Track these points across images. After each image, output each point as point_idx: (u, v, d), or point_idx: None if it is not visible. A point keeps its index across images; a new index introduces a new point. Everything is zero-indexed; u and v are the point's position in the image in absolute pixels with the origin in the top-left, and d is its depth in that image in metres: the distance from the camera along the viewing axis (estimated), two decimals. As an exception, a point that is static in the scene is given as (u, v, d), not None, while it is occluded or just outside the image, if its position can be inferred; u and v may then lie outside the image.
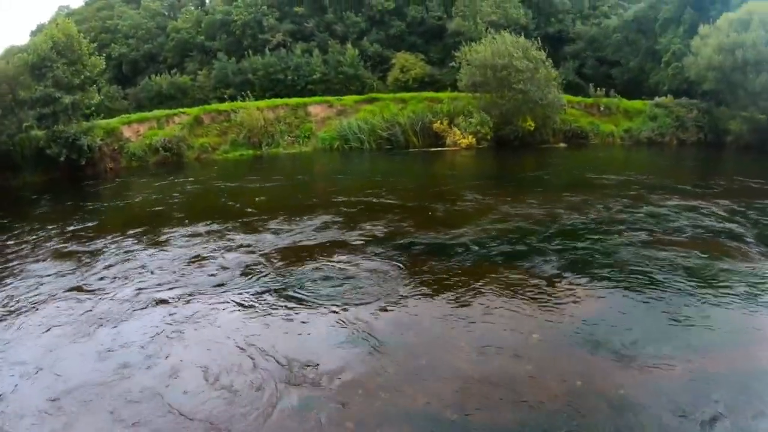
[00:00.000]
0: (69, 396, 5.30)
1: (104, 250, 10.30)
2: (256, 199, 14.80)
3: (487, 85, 25.03)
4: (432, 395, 5.04)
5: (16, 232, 12.40)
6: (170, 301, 7.54)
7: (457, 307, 6.90)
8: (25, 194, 18.89)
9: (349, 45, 33.08)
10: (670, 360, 5.46)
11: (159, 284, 8.20)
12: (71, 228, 12.42)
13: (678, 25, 30.77)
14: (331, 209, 12.54)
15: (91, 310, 7.33)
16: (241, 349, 6.03)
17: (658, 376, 5.20)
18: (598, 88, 28.86)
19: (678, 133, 27.11)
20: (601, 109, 28.48)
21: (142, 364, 5.83)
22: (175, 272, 8.71)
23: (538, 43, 25.65)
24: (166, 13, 40.92)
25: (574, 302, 6.87)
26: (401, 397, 5.03)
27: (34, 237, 11.78)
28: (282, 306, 7.19)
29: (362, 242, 9.73)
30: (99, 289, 8.14)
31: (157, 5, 40.63)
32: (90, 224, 12.85)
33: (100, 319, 7.03)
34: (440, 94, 27.93)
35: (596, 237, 9.60)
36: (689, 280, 7.45)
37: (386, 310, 6.91)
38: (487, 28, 29.67)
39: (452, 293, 7.32)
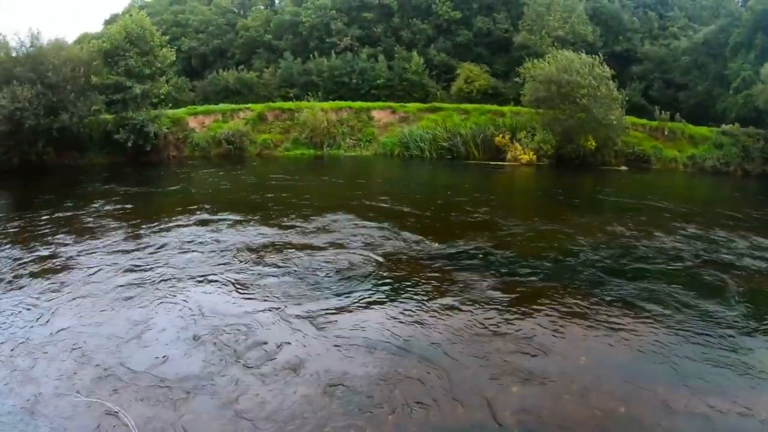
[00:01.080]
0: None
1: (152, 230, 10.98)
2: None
3: (550, 101, 24.87)
4: (471, 410, 5.09)
5: (80, 205, 13.33)
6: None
7: (507, 322, 6.93)
8: (92, 173, 19.83)
9: (415, 52, 33.40)
10: (716, 398, 5.40)
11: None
12: (128, 206, 13.30)
13: (749, 49, 29.86)
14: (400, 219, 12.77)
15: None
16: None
17: (702, 414, 5.16)
18: (663, 112, 28.24)
19: (743, 164, 26.33)
20: (666, 133, 27.90)
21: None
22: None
23: (600, 58, 25.32)
24: (237, 11, 42.19)
25: (628, 330, 6.83)
26: (440, 413, 5.05)
27: (94, 211, 12.62)
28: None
29: (417, 252, 9.86)
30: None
31: (227, 3, 41.94)
32: (144, 205, 13.75)
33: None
34: (503, 108, 27.95)
35: (658, 266, 9.49)
36: (752, 320, 7.32)
37: (435, 320, 7.01)
38: (553, 43, 29.55)
39: (504, 309, 7.37)
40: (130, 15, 23.72)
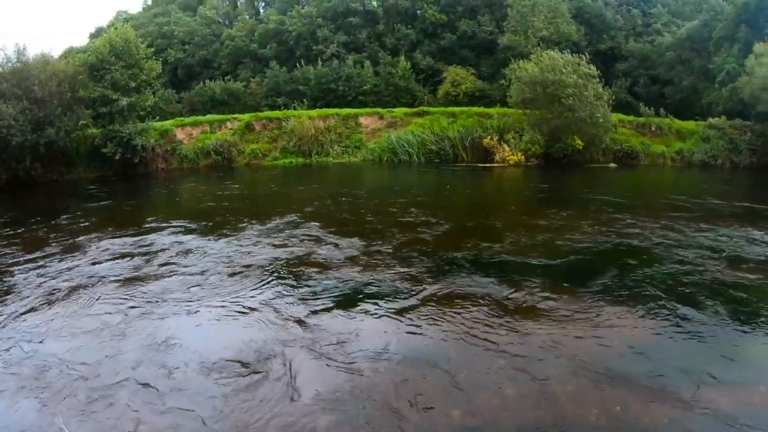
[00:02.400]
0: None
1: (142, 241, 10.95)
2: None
3: (536, 102, 24.99)
4: (467, 411, 5.05)
5: (65, 220, 13.29)
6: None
7: (498, 323, 6.84)
8: (78, 188, 19.65)
9: (401, 57, 33.43)
10: (715, 393, 5.33)
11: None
12: (115, 220, 13.22)
13: (732, 43, 30.07)
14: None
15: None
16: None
17: (700, 409, 5.08)
18: (649, 107, 28.39)
19: (731, 156, 26.49)
20: (653, 129, 28.04)
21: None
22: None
23: (587, 57, 25.40)
24: (221, 21, 42.22)
25: (622, 327, 6.74)
26: (436, 413, 5.01)
27: (81, 224, 12.57)
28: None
29: (405, 254, 9.74)
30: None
31: (212, 13, 41.92)
32: (130, 218, 13.64)
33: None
34: (490, 110, 28.02)
35: (652, 262, 9.42)
36: (749, 313, 7.19)
37: (424, 322, 6.95)
38: (538, 44, 29.63)
39: (495, 309, 7.29)
40: (115, 28, 23.59)
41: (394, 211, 13.74)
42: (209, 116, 29.25)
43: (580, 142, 24.57)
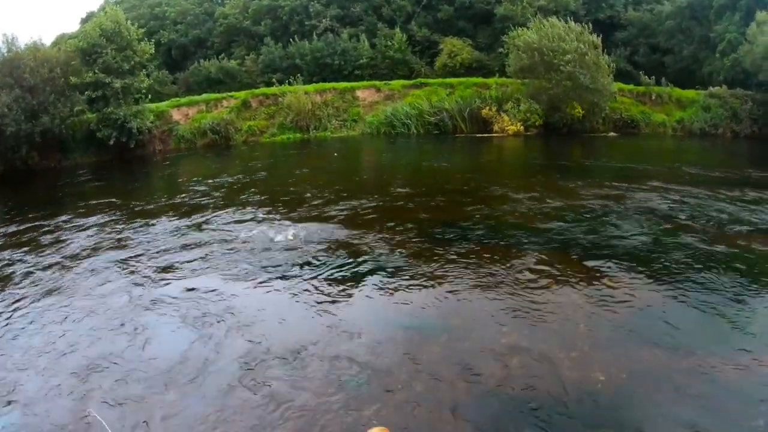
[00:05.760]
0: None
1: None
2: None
3: (534, 70, 24.66)
4: (473, 377, 5.02)
5: (65, 208, 13.26)
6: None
7: (504, 292, 6.82)
8: (75, 175, 19.58)
9: (397, 29, 32.93)
10: (718, 359, 5.30)
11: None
12: (112, 206, 13.10)
13: (734, 11, 29.55)
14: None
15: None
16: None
17: (705, 374, 5.06)
18: (650, 77, 28.04)
19: (732, 125, 26.18)
20: (653, 98, 27.71)
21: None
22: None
23: (589, 28, 25.05)
24: (214, -1, 41.45)
25: (625, 294, 6.71)
26: (440, 382, 5.00)
27: (81, 212, 12.52)
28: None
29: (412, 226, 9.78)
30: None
31: (204, -9, 41.12)
32: (127, 202, 13.50)
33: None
34: (488, 80, 27.65)
35: (651, 229, 9.33)
36: (746, 278, 7.16)
37: (434, 290, 6.92)
38: (535, 13, 29.19)
39: (500, 278, 7.25)
40: (105, 12, 23.21)
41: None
42: (205, 95, 28.85)
43: (581, 111, 24.30)
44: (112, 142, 21.59)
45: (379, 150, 23.34)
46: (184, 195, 13.95)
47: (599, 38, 24.95)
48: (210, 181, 15.62)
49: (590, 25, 25.40)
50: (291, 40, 33.94)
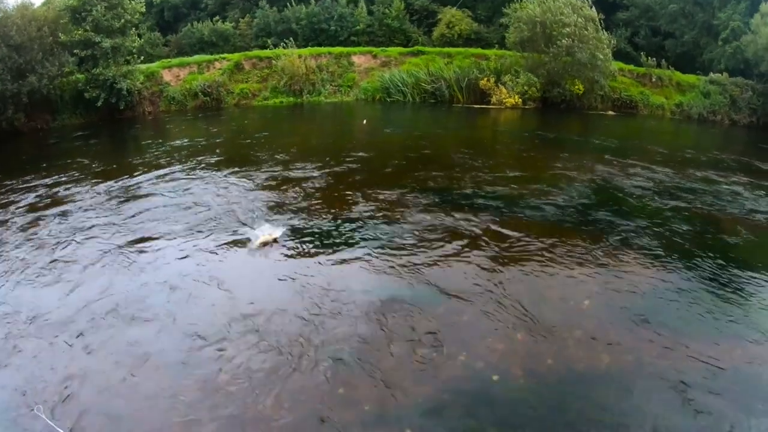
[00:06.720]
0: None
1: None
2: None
3: (534, 43, 24.24)
4: (473, 353, 4.84)
5: (51, 169, 13.07)
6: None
7: (504, 265, 6.73)
8: (63, 136, 19.33)
9: (395, -5, 32.14)
10: (717, 342, 5.26)
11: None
12: (95, 167, 13.18)
13: (739, 0, 29.31)
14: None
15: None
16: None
17: (705, 357, 4.97)
18: (650, 58, 27.71)
19: (730, 113, 25.98)
20: (653, 79, 27.41)
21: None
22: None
23: (589, 2, 24.56)
24: (209, -40, 40.29)
25: (628, 272, 6.66)
26: (439, 356, 4.83)
27: (64, 173, 12.44)
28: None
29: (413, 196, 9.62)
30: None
31: (199, -49, 40.00)
32: (113, 164, 13.60)
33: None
34: (487, 51, 27.16)
35: (654, 209, 9.29)
36: (749, 262, 7.15)
37: (435, 262, 6.77)
38: (537, -13, 28.62)
39: (503, 251, 7.15)
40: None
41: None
42: (197, 57, 28.22)
43: (581, 87, 23.98)
44: (100, 104, 21.08)
45: (377, 118, 22.96)
46: (162, 157, 13.98)
47: (600, 16, 24.57)
48: (197, 142, 15.41)
49: (590, 1, 24.91)
50: (287, 4, 33.15)
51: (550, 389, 4.50)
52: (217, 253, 7.41)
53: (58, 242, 7.95)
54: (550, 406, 4.31)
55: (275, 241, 7.52)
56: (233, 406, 4.33)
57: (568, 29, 22.83)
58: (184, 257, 7.31)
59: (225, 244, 7.70)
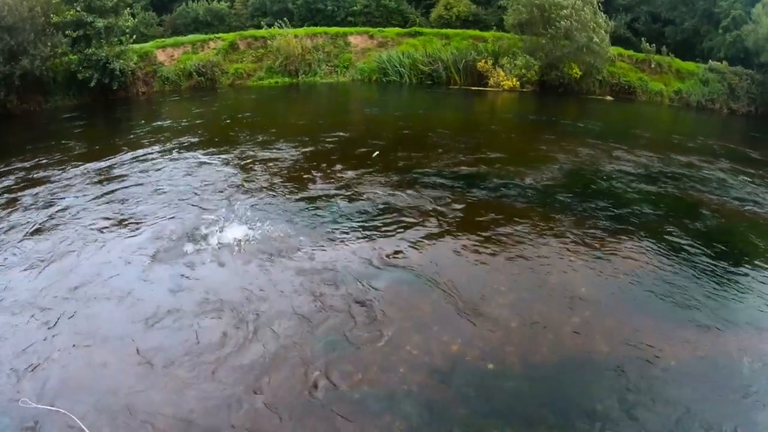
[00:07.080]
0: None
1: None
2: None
3: (533, 25, 24.04)
4: (468, 340, 4.78)
5: (36, 151, 13.05)
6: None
7: (501, 251, 6.69)
8: (54, 118, 19.10)
9: (393, -24, 31.76)
10: (713, 329, 5.30)
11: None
12: (77, 148, 13.25)
13: (740, -11, 29.08)
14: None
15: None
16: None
17: (701, 345, 5.02)
18: (650, 44, 27.50)
19: (729, 102, 25.80)
20: (652, 65, 27.20)
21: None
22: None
23: None
24: (205, -62, 39.67)
25: (624, 258, 6.68)
26: (435, 342, 4.75)
27: (46, 155, 12.49)
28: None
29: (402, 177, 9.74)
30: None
31: (196, -70, 39.35)
32: (96, 145, 13.59)
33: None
34: (485, 33, 26.93)
35: (649, 195, 9.24)
36: (746, 250, 7.28)
37: (426, 246, 6.77)
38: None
39: (500, 236, 7.15)
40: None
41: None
42: (191, 36, 27.85)
43: (579, 71, 23.76)
44: (93, 84, 20.73)
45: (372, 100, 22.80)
46: (145, 137, 14.02)
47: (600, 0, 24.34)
48: (190, 122, 15.28)
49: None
50: (284, -18, 32.69)
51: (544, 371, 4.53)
52: (182, 236, 7.49)
53: (28, 222, 8.21)
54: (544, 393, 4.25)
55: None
56: (182, 369, 4.66)
57: (565, 11, 22.60)
58: (149, 238, 7.49)
59: (191, 225, 7.82)
